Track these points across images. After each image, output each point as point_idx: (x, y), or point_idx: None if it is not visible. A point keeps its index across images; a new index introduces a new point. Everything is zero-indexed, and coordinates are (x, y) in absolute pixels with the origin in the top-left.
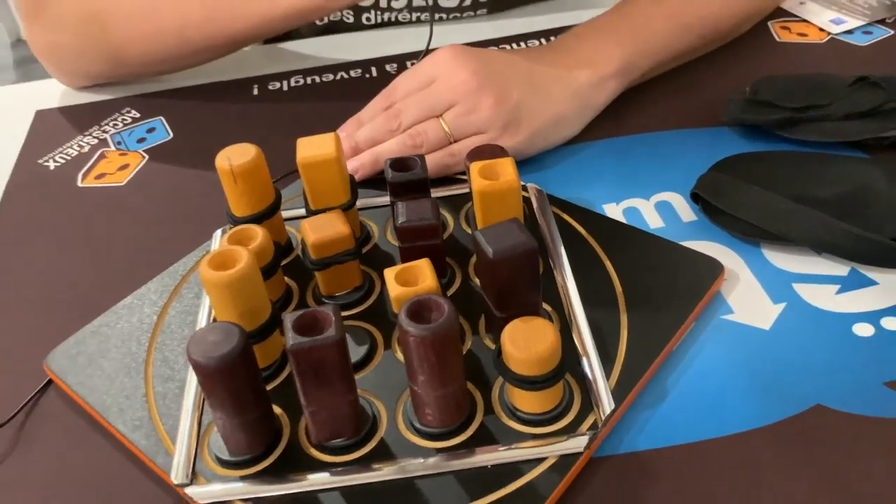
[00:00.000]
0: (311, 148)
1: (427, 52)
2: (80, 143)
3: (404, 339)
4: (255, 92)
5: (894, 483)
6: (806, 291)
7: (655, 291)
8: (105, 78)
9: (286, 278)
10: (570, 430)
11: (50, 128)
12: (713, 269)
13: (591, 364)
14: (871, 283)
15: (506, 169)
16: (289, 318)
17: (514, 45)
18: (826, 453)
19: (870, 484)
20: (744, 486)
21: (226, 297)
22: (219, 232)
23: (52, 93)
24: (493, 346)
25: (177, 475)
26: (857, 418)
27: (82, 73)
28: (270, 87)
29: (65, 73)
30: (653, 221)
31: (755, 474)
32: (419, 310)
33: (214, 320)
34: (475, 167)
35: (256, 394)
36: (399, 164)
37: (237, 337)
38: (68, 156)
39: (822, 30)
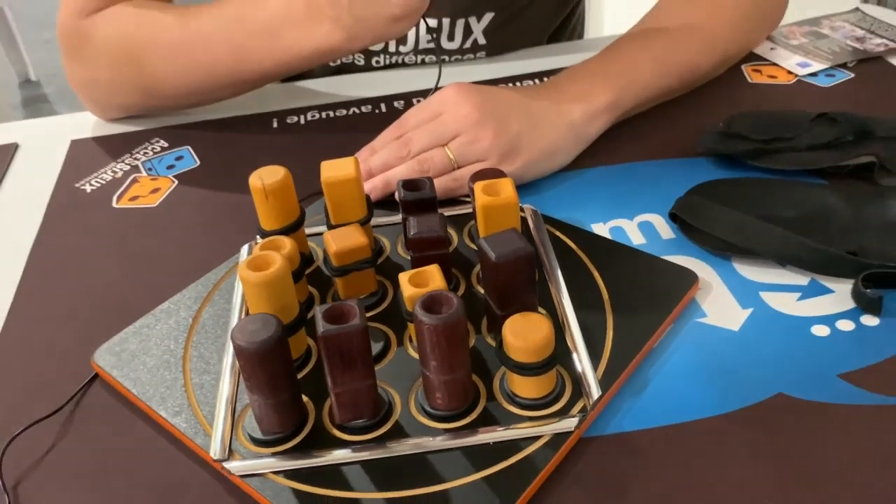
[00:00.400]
0: (334, 169)
1: (436, 89)
2: (114, 169)
3: (419, 328)
4: (275, 125)
5: (843, 459)
6: (771, 298)
7: (637, 297)
8: (137, 110)
9: (310, 287)
10: (562, 413)
11: (85, 155)
12: (688, 279)
13: (581, 358)
14: (829, 291)
15: (505, 187)
16: (319, 309)
17: (510, 84)
18: (785, 434)
19: (822, 460)
20: (713, 461)
21: (262, 295)
22: (246, 247)
23: (85, 124)
24: (494, 344)
25: (215, 452)
26: (814, 404)
27: (116, 105)
28: (289, 121)
29: (99, 105)
30: (636, 238)
31: (722, 451)
32: (432, 303)
33: None
34: (479, 186)
35: (289, 377)
36: (410, 184)
37: (275, 325)
38: (103, 180)
39: (790, 72)
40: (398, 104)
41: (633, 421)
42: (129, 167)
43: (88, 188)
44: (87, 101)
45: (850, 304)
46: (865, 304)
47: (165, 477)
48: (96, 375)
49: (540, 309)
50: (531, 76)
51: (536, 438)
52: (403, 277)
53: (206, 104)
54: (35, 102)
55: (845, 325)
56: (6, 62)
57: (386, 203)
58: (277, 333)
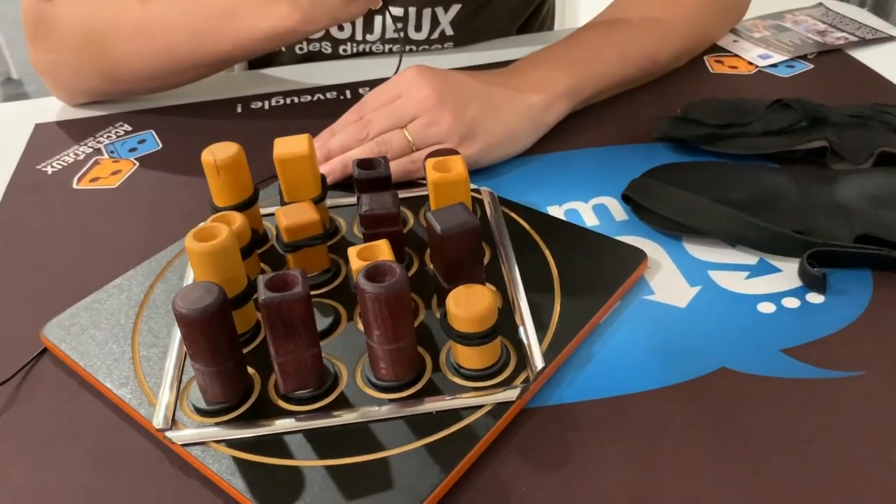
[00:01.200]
0: (287, 146)
1: (396, 72)
2: (76, 151)
3: (362, 297)
4: (239, 110)
5: (780, 428)
6: (719, 277)
7: (586, 275)
8: (101, 95)
9: (262, 264)
10: (505, 384)
11: (48, 139)
12: (637, 257)
13: (527, 331)
14: (776, 270)
15: (456, 164)
16: (262, 278)
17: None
18: (727, 407)
19: (760, 430)
20: (654, 433)
21: (207, 266)
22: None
23: (51, 109)
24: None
25: (158, 422)
26: (756, 378)
27: (80, 89)
28: (252, 107)
29: (64, 90)
30: (589, 220)
31: (664, 423)
32: (375, 273)
33: None
34: (430, 163)
35: (232, 346)
36: (365, 163)
37: (217, 292)
38: (65, 162)
39: (750, 63)
40: (363, 90)
41: (577, 393)
42: (91, 150)
43: (49, 170)
44: (51, 86)
45: (797, 283)
46: (810, 281)
47: (110, 447)
48: (45, 349)
49: (489, 285)
50: (496, 66)
51: (478, 408)
52: (353, 251)
53: (169, 88)
54: (16, 100)
55: (791, 303)
56: None
57: (345, 185)
58: (219, 301)
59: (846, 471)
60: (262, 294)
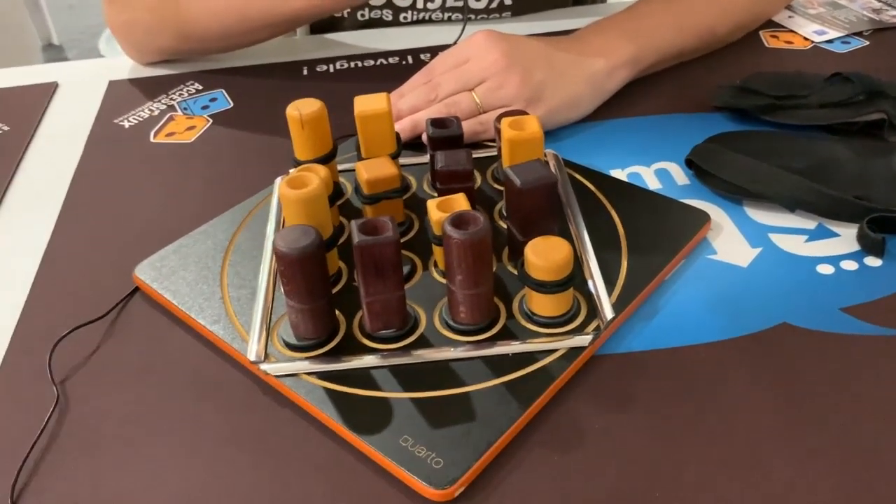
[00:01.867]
0: (367, 103)
1: (458, 39)
2: (151, 107)
3: (447, 243)
4: (305, 72)
5: (839, 383)
6: (779, 240)
7: (651, 235)
8: (173, 53)
9: (340, 216)
10: (577, 332)
11: (122, 95)
12: (700, 219)
13: (596, 283)
14: (835, 234)
15: (531, 123)
16: (355, 223)
17: None
18: (785, 358)
19: (818, 384)
20: (714, 381)
21: (300, 212)
22: (279, 178)
23: (123, 67)
24: (515, 272)
25: (252, 354)
26: (816, 333)
27: (153, 48)
28: (318, 70)
29: (137, 49)
30: (652, 183)
31: (724, 372)
32: (460, 222)
33: None
34: (505, 121)
35: (325, 286)
36: (438, 122)
37: (314, 234)
38: (140, 118)
39: (806, 38)
40: (424, 56)
41: (643, 342)
42: (165, 106)
43: (126, 124)
44: (125, 45)
45: (854, 247)
46: (869, 245)
47: (205, 377)
48: (137, 288)
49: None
50: (555, 36)
51: (552, 352)
52: (431, 204)
53: (239, 47)
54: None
55: (849, 265)
56: (30, 26)
57: (413, 145)
58: (316, 241)
59: None
60: (357, 237)
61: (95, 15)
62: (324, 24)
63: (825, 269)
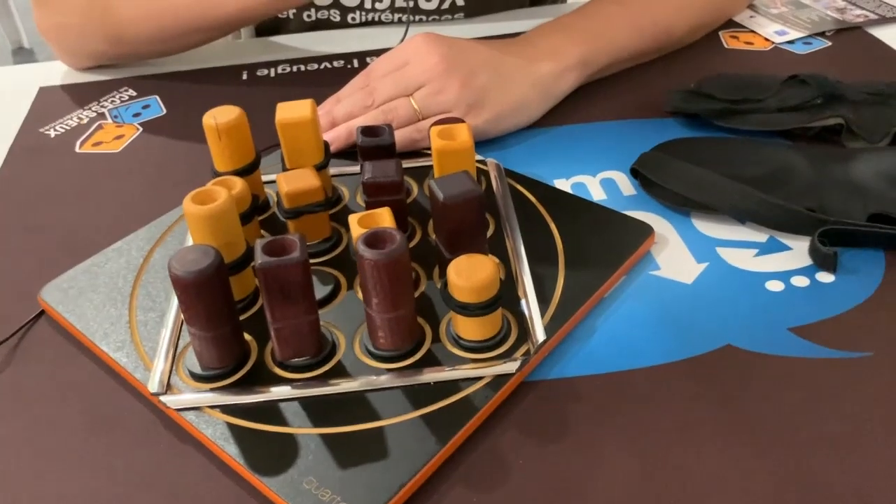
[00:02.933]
0: (290, 111)
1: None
2: (80, 115)
3: (361, 264)
4: (245, 77)
5: (788, 410)
6: (727, 254)
7: (591, 248)
8: (106, 58)
9: (263, 231)
10: (505, 356)
11: (52, 103)
12: (644, 232)
13: (529, 303)
14: (786, 248)
15: (461, 132)
16: (259, 242)
17: None
18: (732, 385)
19: (762, 409)
20: (656, 410)
21: (205, 229)
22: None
23: (56, 73)
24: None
25: (153, 385)
26: (762, 356)
27: (85, 53)
28: (259, 74)
29: (69, 54)
30: (596, 194)
31: (667, 400)
32: (375, 240)
33: None
34: (434, 130)
35: (228, 311)
36: (369, 130)
37: (213, 256)
38: (68, 126)
39: (767, 39)
40: (371, 59)
41: (578, 366)
42: (95, 114)
43: (52, 133)
44: (57, 50)
45: (807, 261)
46: (821, 260)
47: (103, 409)
48: (43, 311)
49: (492, 256)
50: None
51: (477, 380)
52: (353, 219)
53: (175, 52)
54: None
55: (800, 281)
56: (0, 29)
57: (349, 154)
58: (215, 264)
59: (853, 454)
60: (259, 258)
61: None
62: (269, 26)
63: (774, 286)
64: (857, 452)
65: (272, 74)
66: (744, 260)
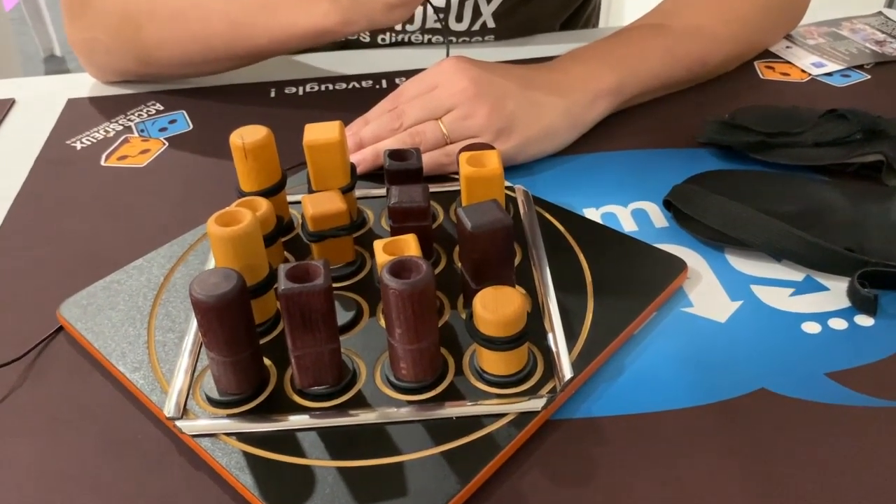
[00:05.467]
0: (318, 132)
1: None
2: (107, 128)
3: (385, 293)
4: (272, 94)
5: (824, 460)
6: (762, 292)
7: (622, 283)
8: (133, 76)
9: (286, 253)
10: (530, 393)
11: (79, 115)
12: (676, 267)
13: (556, 338)
14: (823, 288)
15: (491, 159)
16: (283, 267)
17: None
18: (763, 430)
19: (802, 461)
20: (685, 455)
21: (228, 251)
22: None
23: (84, 85)
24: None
25: (169, 410)
26: (797, 402)
27: (112, 69)
28: (286, 91)
29: (97, 68)
30: (628, 225)
31: (696, 445)
32: (401, 269)
33: None
34: (464, 157)
35: (248, 336)
36: (397, 154)
37: (235, 280)
38: (94, 139)
39: (803, 71)
40: (399, 80)
41: (605, 407)
42: (121, 127)
43: (79, 145)
44: (86, 64)
45: (845, 303)
46: (860, 302)
47: (118, 432)
48: (61, 327)
49: (519, 287)
50: (539, 62)
51: (501, 416)
52: (378, 245)
53: (202, 75)
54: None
55: (838, 324)
56: (32, 37)
57: (375, 176)
58: (237, 288)
59: None
60: (282, 284)
61: None
62: None
63: (811, 328)
64: None
65: (300, 93)
66: (779, 299)
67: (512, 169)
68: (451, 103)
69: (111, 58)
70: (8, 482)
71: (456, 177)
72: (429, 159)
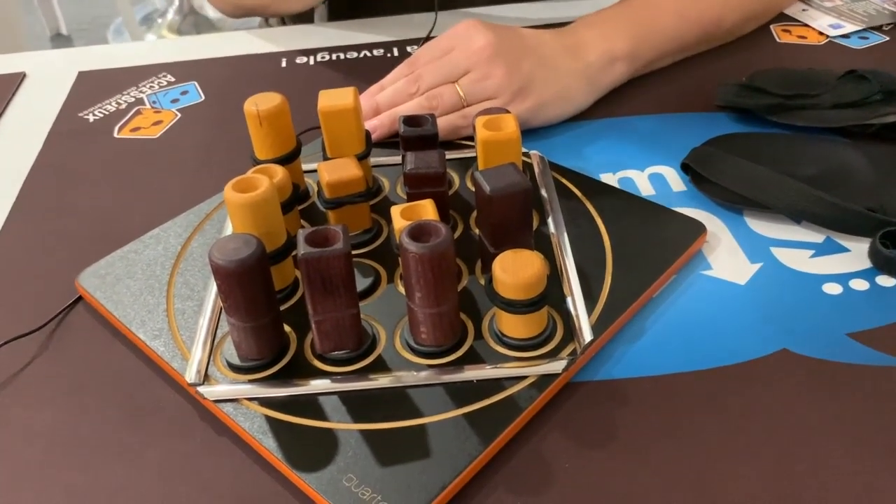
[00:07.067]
0: (332, 98)
1: (430, 33)
2: (119, 100)
3: (404, 257)
4: (283, 64)
5: (842, 417)
6: (782, 254)
7: (640, 246)
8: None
9: (302, 220)
10: (550, 356)
11: (91, 87)
12: (695, 230)
13: (575, 301)
14: (844, 249)
15: (508, 123)
16: (302, 232)
17: None
18: (784, 389)
19: (819, 417)
20: (707, 415)
21: (246, 218)
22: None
23: (94, 57)
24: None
25: (190, 376)
26: (819, 362)
27: None
28: (298, 61)
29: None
30: (645, 189)
31: (715, 406)
32: (420, 233)
33: None
34: (480, 121)
35: (269, 301)
36: (412, 120)
37: (255, 245)
38: (106, 111)
39: (821, 33)
40: (411, 49)
41: (625, 369)
42: (133, 99)
43: (91, 118)
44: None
45: (866, 264)
46: (882, 263)
47: (140, 399)
48: (80, 297)
49: (537, 252)
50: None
51: (522, 379)
52: (396, 210)
53: None
54: None
55: (859, 285)
56: (39, 15)
57: (392, 143)
58: (257, 253)
59: None
60: (302, 249)
61: (104, 5)
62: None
63: (832, 289)
64: None
65: (311, 62)
66: (800, 261)
67: (527, 135)
68: (468, 65)
69: None
70: (31, 451)
71: (471, 143)
72: (445, 122)
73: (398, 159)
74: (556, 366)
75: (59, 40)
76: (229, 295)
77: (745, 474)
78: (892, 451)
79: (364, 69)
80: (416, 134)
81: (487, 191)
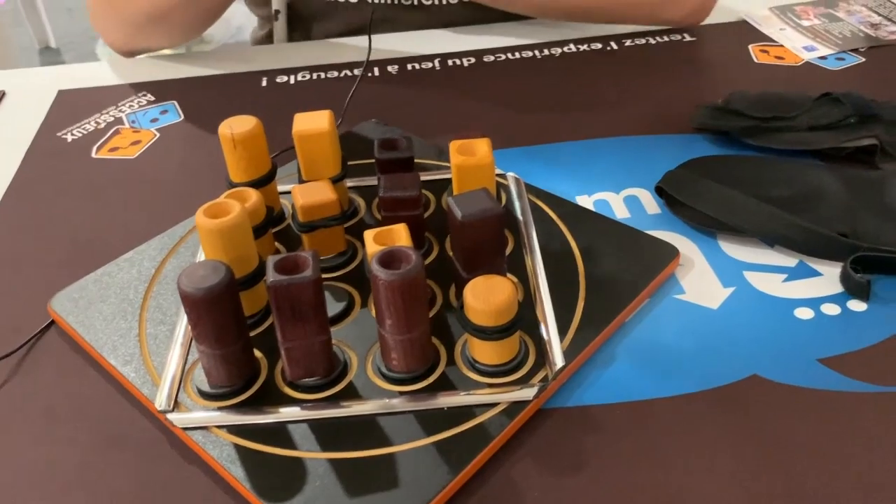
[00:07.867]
0: (307, 122)
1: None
2: (97, 120)
3: (375, 283)
4: (264, 83)
5: (817, 445)
6: (755, 278)
7: (614, 270)
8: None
9: (277, 243)
10: (522, 382)
11: (70, 106)
12: (669, 253)
13: (547, 326)
14: (817, 273)
15: (481, 148)
16: (271, 259)
17: (495, 57)
18: (758, 417)
19: (795, 446)
20: (679, 441)
21: (216, 243)
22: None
23: (75, 76)
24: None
25: (160, 403)
26: (789, 388)
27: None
28: (278, 80)
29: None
30: (620, 212)
31: (690, 431)
32: (390, 259)
33: None
34: (454, 146)
35: (238, 327)
36: (387, 143)
37: (224, 272)
38: (85, 130)
39: (797, 54)
40: (392, 69)
41: (598, 395)
42: (112, 118)
43: (69, 137)
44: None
45: (838, 288)
46: (853, 288)
47: (109, 425)
48: (53, 321)
49: (510, 276)
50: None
51: (493, 406)
52: (369, 235)
53: (190, 21)
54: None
55: (831, 310)
56: (27, 29)
57: (367, 167)
58: (225, 280)
59: (885, 493)
60: (271, 276)
61: None
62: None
63: (804, 314)
64: (890, 492)
65: (291, 81)
66: (772, 285)
67: (503, 158)
68: None
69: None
70: (1, 476)
71: (446, 164)
72: None
73: (374, 181)
74: (527, 392)
75: (48, 54)
76: (198, 322)
77: (717, 500)
78: (862, 476)
79: (345, 89)
80: (392, 157)
81: (459, 217)
